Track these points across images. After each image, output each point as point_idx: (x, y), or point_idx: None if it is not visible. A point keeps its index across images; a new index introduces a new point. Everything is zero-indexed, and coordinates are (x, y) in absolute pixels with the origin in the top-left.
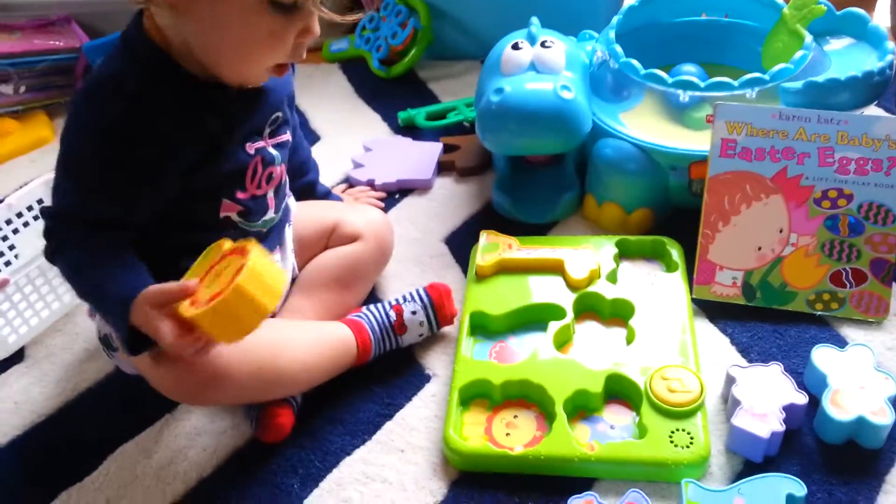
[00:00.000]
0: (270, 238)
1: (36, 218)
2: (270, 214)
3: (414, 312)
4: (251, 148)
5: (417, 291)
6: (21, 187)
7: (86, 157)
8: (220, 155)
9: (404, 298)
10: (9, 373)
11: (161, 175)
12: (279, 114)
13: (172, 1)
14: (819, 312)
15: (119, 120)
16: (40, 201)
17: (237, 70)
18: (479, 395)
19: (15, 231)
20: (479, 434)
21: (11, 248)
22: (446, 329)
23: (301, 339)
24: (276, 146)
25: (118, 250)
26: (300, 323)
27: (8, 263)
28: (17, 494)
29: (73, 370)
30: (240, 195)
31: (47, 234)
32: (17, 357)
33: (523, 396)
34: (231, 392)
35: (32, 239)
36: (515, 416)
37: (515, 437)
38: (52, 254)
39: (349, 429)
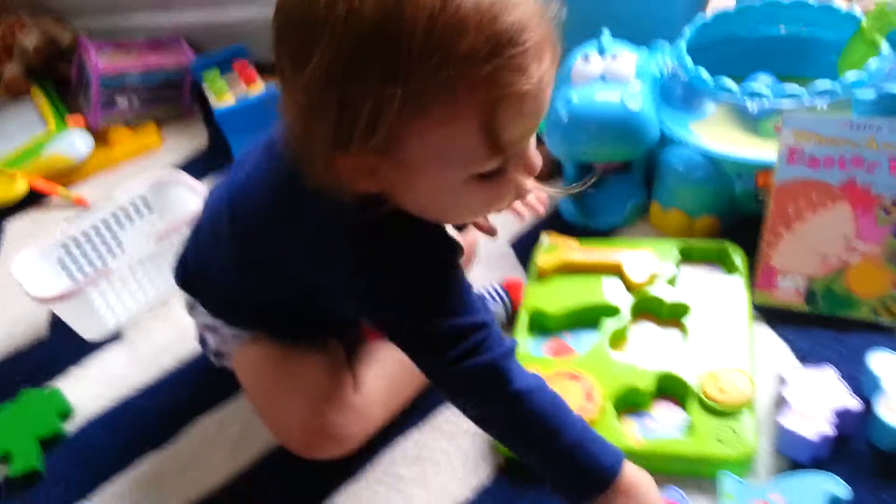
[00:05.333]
0: None
1: (139, 213)
2: None
3: (496, 312)
4: None
5: (496, 289)
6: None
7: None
8: None
9: (483, 298)
10: (108, 351)
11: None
12: None
13: (375, 188)
14: (884, 321)
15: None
16: (145, 199)
17: (465, 220)
18: None
19: (121, 226)
20: None
21: (118, 241)
22: (506, 327)
23: (411, 383)
24: None
25: (537, 376)
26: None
27: (113, 255)
28: (107, 458)
29: (165, 351)
30: None
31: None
32: (117, 338)
33: (573, 371)
34: (350, 447)
35: (136, 233)
36: (564, 388)
37: None
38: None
39: (406, 412)
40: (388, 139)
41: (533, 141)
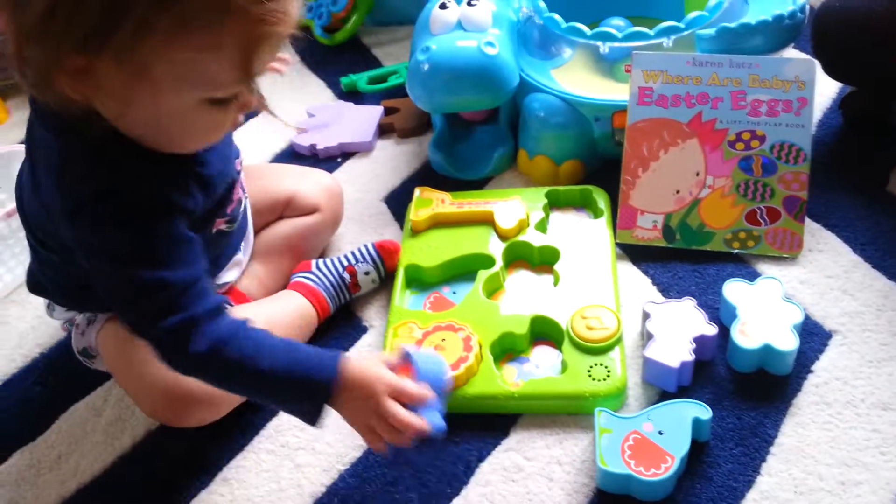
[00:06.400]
0: (245, 222)
1: None
2: (242, 200)
3: (367, 273)
4: (238, 165)
5: (368, 250)
6: None
7: (124, 244)
8: (214, 190)
9: (355, 258)
10: None
11: (186, 232)
12: None
13: (88, 99)
14: (736, 251)
15: (122, 221)
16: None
17: (184, 149)
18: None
19: None
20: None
21: None
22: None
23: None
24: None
25: (239, 322)
26: (270, 315)
27: None
28: None
29: (26, 338)
30: (229, 208)
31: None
32: None
33: (451, 322)
34: (223, 411)
35: None
36: (443, 340)
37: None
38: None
39: None
40: (143, 50)
41: None
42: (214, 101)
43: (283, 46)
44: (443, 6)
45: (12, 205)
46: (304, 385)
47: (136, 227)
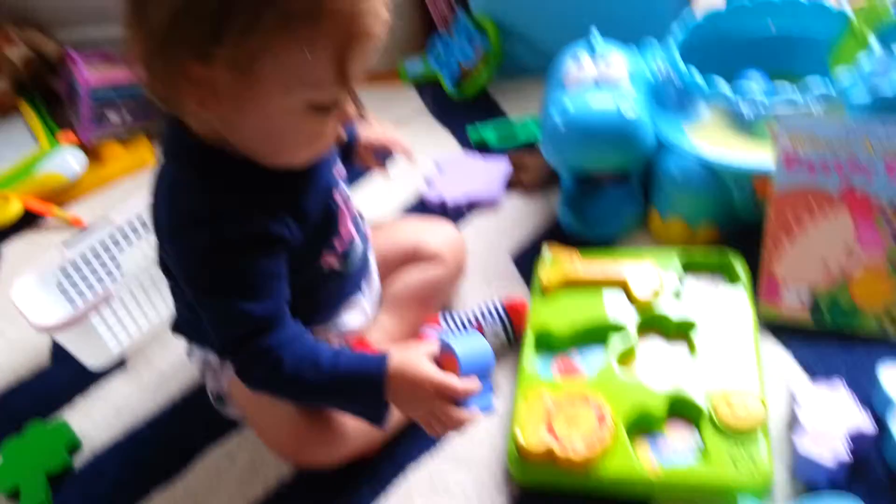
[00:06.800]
0: (366, 266)
1: (136, 234)
2: (359, 245)
3: (496, 334)
4: (338, 197)
5: (497, 309)
6: (125, 208)
7: (217, 273)
8: (313, 220)
9: (483, 316)
10: (112, 380)
11: (281, 260)
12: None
13: (203, 106)
14: (891, 332)
15: (215, 251)
16: (141, 219)
17: (283, 162)
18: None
19: (119, 248)
20: (538, 427)
21: (117, 264)
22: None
23: None
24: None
25: (306, 336)
26: None
27: (113, 278)
28: (116, 492)
29: (169, 378)
30: (338, 243)
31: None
32: (120, 366)
33: (584, 394)
34: (344, 454)
35: (135, 255)
36: (576, 412)
37: (576, 431)
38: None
39: (417, 440)
40: (251, 49)
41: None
42: (317, 106)
43: (373, 53)
44: (578, 62)
45: None
46: (358, 386)
47: (227, 259)
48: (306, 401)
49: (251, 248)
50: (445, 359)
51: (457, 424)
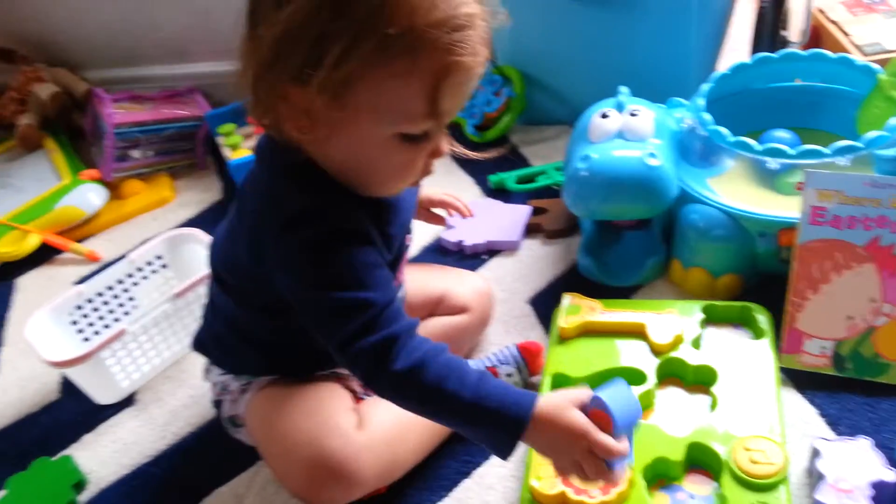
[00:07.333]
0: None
1: (154, 272)
2: (402, 291)
3: (509, 375)
4: (409, 240)
5: (511, 352)
6: (142, 243)
7: (331, 265)
8: (390, 256)
9: (498, 360)
10: (120, 415)
11: (380, 259)
12: None
13: (302, 132)
14: None
15: (325, 244)
16: (159, 257)
17: (374, 189)
18: None
19: (135, 284)
20: (554, 474)
21: (131, 299)
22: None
23: (416, 428)
24: None
25: (438, 345)
26: None
27: (127, 313)
28: None
29: (178, 415)
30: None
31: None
32: (128, 401)
33: None
34: (357, 494)
35: (150, 291)
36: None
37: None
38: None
39: (428, 485)
40: (347, 79)
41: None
42: (407, 137)
43: (470, 88)
44: (604, 115)
45: (182, 285)
46: (499, 417)
47: (337, 251)
48: (433, 414)
49: (355, 239)
50: (595, 413)
51: (601, 479)
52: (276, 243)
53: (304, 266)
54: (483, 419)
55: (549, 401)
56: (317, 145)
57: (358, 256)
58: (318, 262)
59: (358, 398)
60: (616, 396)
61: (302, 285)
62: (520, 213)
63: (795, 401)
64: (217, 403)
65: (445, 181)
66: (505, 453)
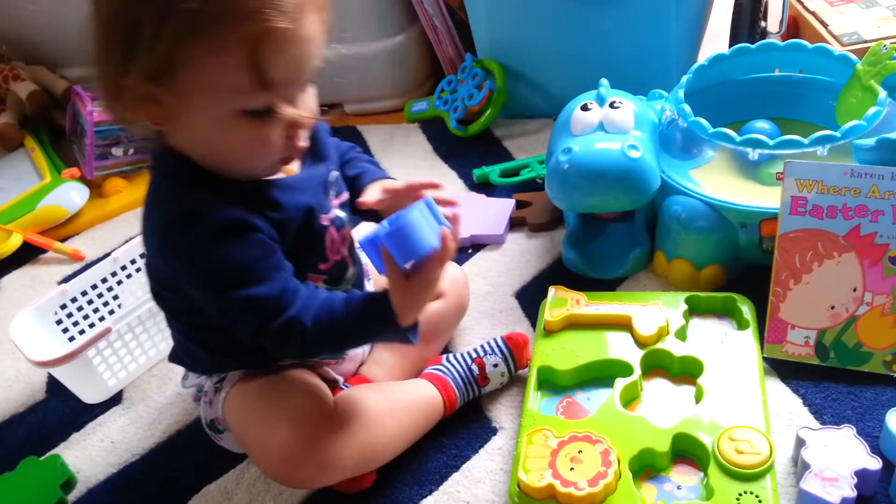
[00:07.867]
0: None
1: (138, 270)
2: (351, 271)
3: (496, 365)
4: (325, 220)
5: (497, 343)
6: (126, 242)
7: (214, 266)
8: (291, 237)
9: (484, 351)
10: (108, 414)
11: (265, 240)
12: (335, 173)
13: (156, 122)
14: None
15: (205, 244)
16: (143, 255)
17: (241, 171)
18: None
19: (119, 282)
20: (542, 467)
21: (115, 298)
22: (515, 382)
23: (396, 413)
24: (341, 206)
25: (317, 292)
26: (391, 392)
27: (112, 312)
28: None
29: (165, 413)
30: (322, 266)
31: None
32: (116, 399)
33: (588, 433)
34: (335, 476)
35: (135, 290)
36: (580, 451)
37: (579, 471)
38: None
39: (417, 478)
40: (164, 63)
41: (308, 99)
42: (249, 112)
43: (304, 60)
44: (585, 108)
45: None
46: (367, 310)
47: (220, 250)
48: (340, 347)
49: (237, 234)
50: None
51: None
52: (166, 248)
53: (195, 270)
54: (366, 324)
55: (381, 281)
56: (175, 136)
57: (242, 252)
58: (205, 265)
59: (336, 388)
60: (396, 235)
61: (200, 289)
62: (504, 206)
63: (780, 391)
64: (209, 423)
65: (429, 175)
66: (405, 338)
